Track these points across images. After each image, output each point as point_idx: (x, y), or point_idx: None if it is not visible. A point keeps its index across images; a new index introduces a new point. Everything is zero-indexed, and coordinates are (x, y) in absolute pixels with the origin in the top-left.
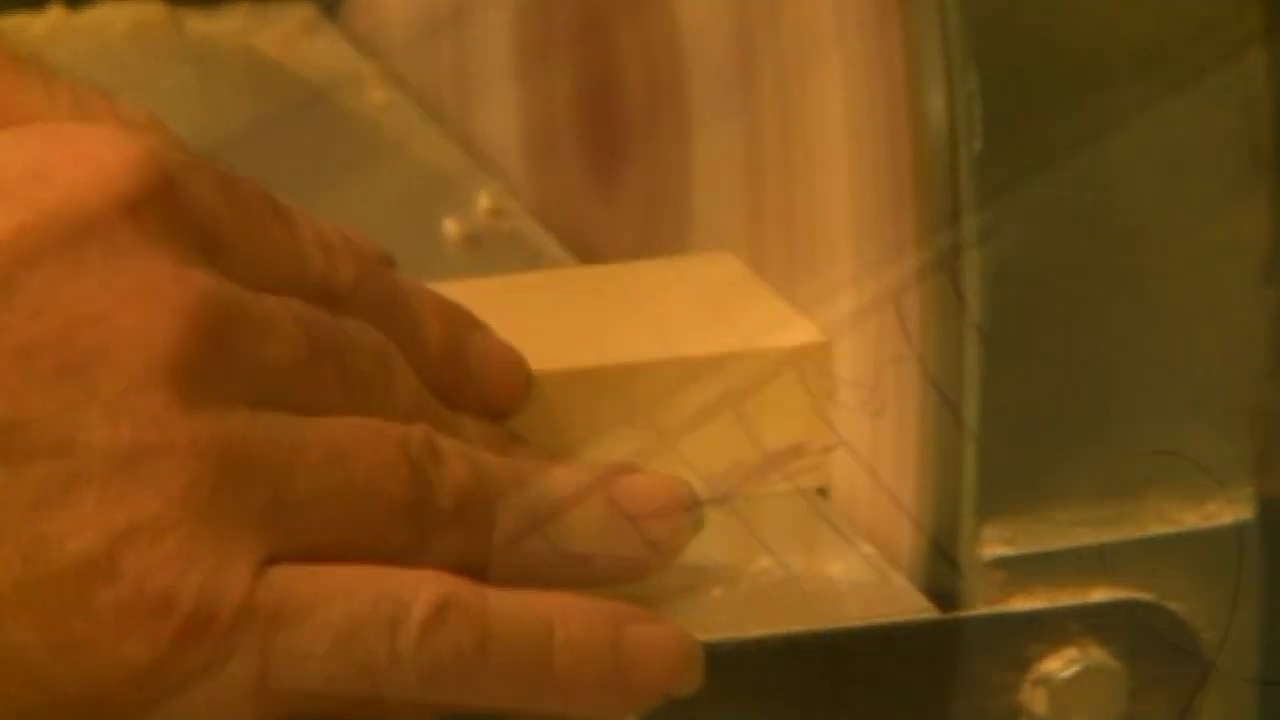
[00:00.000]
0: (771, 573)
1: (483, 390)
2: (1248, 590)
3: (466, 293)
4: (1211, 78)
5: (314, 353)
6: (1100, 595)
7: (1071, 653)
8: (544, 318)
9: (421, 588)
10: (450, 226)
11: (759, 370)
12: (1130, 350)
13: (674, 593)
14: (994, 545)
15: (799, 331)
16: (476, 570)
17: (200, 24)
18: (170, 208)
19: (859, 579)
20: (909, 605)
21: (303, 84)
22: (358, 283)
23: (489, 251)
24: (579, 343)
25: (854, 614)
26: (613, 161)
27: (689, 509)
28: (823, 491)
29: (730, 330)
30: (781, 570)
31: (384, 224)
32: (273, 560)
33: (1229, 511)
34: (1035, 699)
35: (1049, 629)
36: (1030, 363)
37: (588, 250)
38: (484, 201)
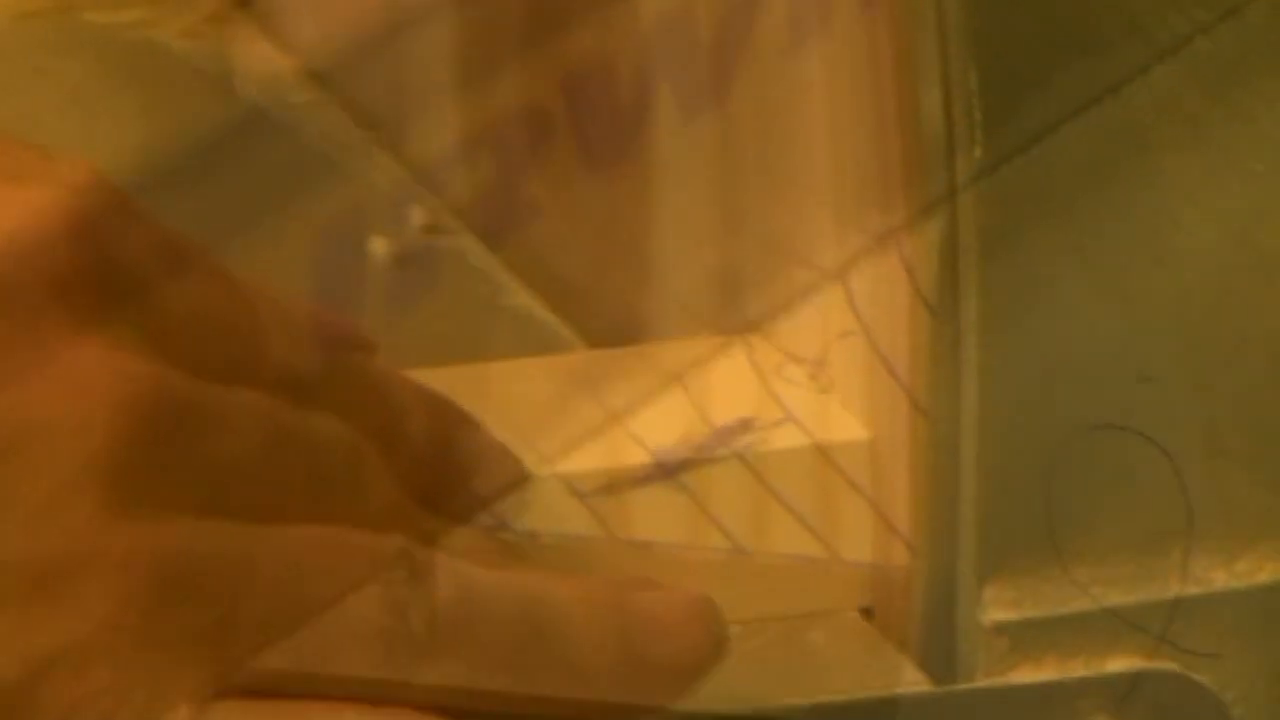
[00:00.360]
0: (746, 640)
1: (471, 495)
2: None
3: (455, 380)
4: (1226, 69)
5: (272, 452)
6: (1117, 665)
7: None
8: (547, 409)
9: None
10: (378, 245)
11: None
12: (1150, 384)
13: None
14: (996, 608)
15: (841, 428)
16: (464, 704)
17: (97, 13)
18: (104, 284)
19: (842, 647)
20: (899, 676)
21: (212, 82)
22: (326, 370)
23: (423, 274)
24: (590, 439)
25: (837, 686)
26: (569, 170)
27: (713, 632)
28: (867, 612)
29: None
30: (757, 637)
31: (302, 242)
32: (218, 693)
33: (1265, 569)
34: None
35: (1059, 703)
36: (1035, 396)
37: (538, 272)
38: (418, 217)
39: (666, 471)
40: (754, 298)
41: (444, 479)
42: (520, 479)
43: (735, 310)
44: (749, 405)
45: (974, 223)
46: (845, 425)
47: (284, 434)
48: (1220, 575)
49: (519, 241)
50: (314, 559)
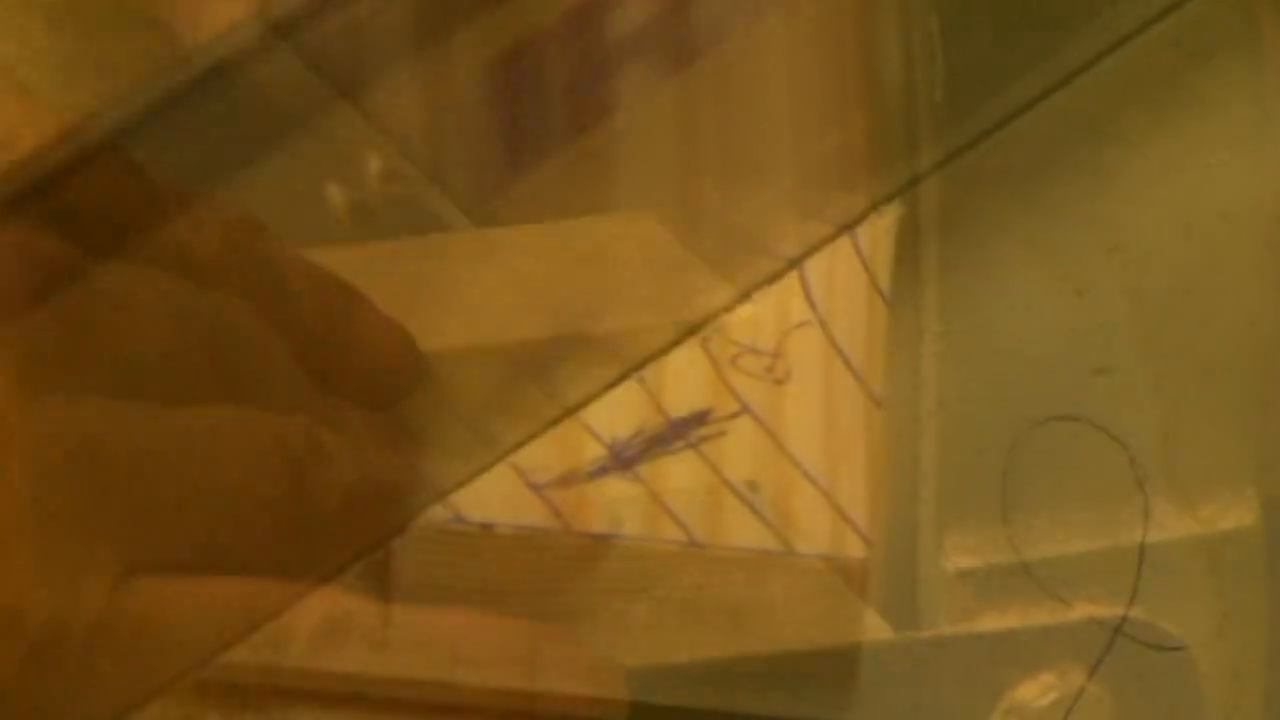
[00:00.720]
0: (705, 588)
1: (366, 374)
2: (1251, 606)
3: (349, 261)
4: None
5: (176, 332)
6: (1081, 612)
7: (1048, 678)
8: (440, 288)
9: (308, 608)
10: (335, 192)
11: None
12: (1107, 376)
13: (600, 610)
14: (959, 555)
15: (797, 419)
16: (371, 578)
17: None
18: (11, 176)
19: (804, 594)
20: (861, 624)
21: (162, 27)
22: (223, 251)
23: (380, 222)
24: (479, 316)
25: (797, 635)
26: (528, 117)
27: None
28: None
29: (646, 301)
30: (717, 585)
31: (256, 189)
32: (133, 570)
33: (1229, 516)
34: None
35: (1023, 651)
36: (990, 388)
37: (497, 222)
38: (375, 164)
39: (622, 463)
40: (709, 287)
41: (339, 357)
42: (414, 358)
43: (691, 299)
44: (705, 397)
45: (931, 213)
46: (801, 417)
47: (186, 314)
48: (1185, 522)
49: (481, 189)
50: (222, 440)
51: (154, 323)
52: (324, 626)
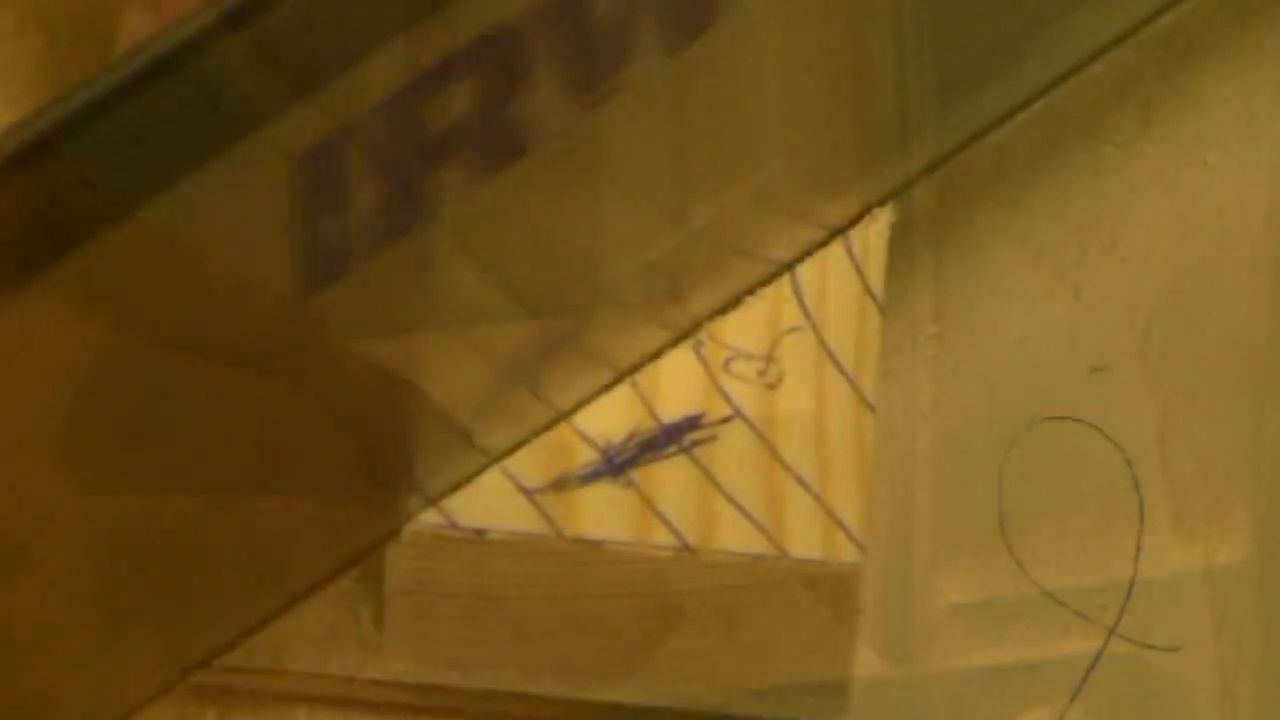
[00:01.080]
0: (697, 592)
1: (425, 468)
2: (1248, 640)
3: (399, 349)
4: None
5: (231, 422)
6: (1078, 647)
7: (1044, 714)
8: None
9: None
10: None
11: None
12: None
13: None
14: (954, 590)
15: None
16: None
17: None
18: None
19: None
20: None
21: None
22: (278, 339)
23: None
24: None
25: (789, 670)
26: (511, 131)
27: None
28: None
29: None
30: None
31: (209, 182)
32: (185, 670)
33: (1224, 549)
34: None
35: (1019, 687)
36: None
37: (481, 237)
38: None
39: (614, 468)
40: (701, 292)
41: (397, 449)
42: (475, 454)
43: (683, 304)
44: (697, 401)
45: (924, 215)
46: (793, 421)
47: (241, 403)
48: (1181, 557)
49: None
50: (277, 535)
51: (207, 413)
52: (320, 630)
